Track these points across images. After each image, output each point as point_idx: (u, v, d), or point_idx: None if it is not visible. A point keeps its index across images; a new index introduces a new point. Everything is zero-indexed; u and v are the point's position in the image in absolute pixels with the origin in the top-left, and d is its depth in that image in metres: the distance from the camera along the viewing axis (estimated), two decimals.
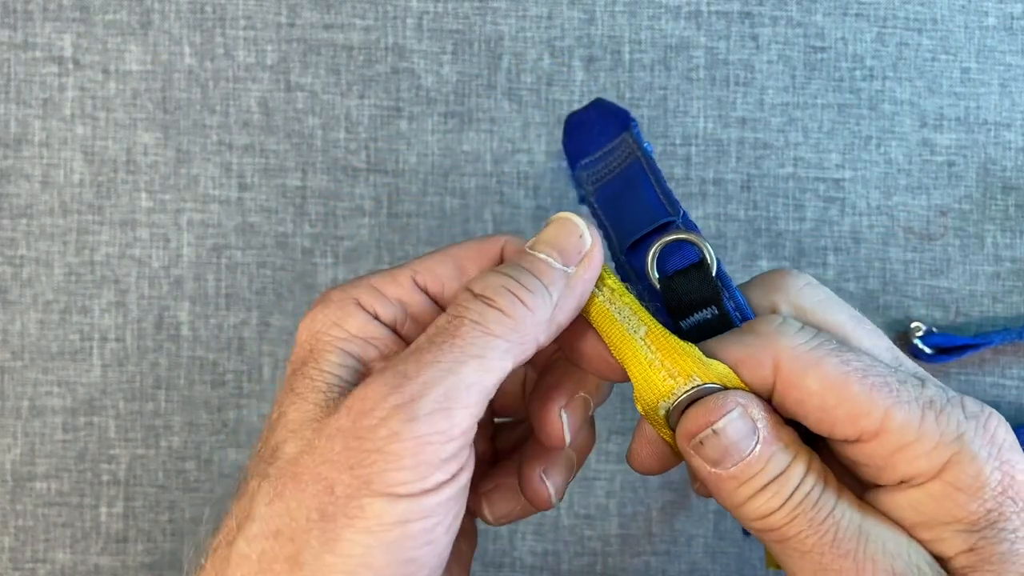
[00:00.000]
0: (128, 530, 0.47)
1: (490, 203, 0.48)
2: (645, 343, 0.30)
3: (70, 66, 0.48)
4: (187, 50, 0.48)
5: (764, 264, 0.48)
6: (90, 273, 0.48)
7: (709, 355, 0.30)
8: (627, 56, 0.48)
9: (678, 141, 0.48)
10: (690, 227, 0.32)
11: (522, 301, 0.29)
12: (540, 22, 0.48)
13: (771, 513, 0.29)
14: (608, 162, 0.36)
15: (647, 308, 0.31)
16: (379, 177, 0.48)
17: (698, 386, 0.30)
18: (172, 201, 0.48)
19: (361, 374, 0.31)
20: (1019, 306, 0.48)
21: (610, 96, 0.48)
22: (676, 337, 0.30)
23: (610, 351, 0.31)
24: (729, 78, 0.48)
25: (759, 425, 0.29)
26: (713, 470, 0.29)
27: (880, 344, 0.31)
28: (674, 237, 0.32)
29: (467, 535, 0.36)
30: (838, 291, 0.48)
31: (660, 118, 0.48)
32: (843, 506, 0.29)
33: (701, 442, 0.29)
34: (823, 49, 0.48)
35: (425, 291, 0.33)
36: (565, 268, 0.30)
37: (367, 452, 0.27)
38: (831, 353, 0.29)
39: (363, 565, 0.27)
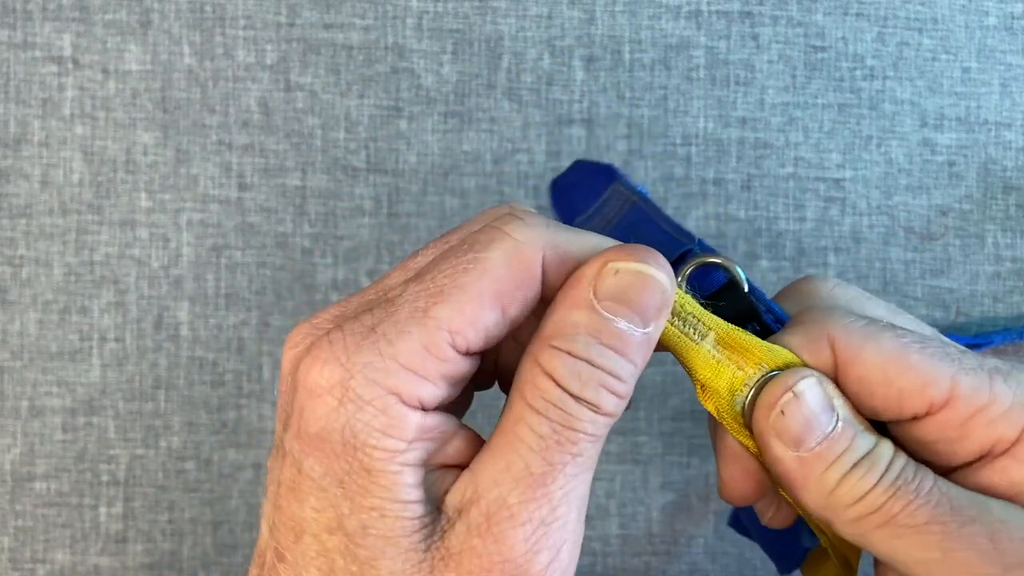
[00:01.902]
0: (127, 530, 0.47)
1: (490, 203, 0.48)
2: (713, 348, 0.30)
3: (69, 66, 0.48)
4: (187, 50, 0.48)
5: (764, 264, 0.48)
6: (89, 273, 0.48)
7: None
8: (627, 56, 0.48)
9: (678, 141, 0.48)
10: (708, 251, 0.32)
11: (622, 396, 0.27)
12: (540, 22, 0.48)
13: (869, 491, 0.27)
14: (604, 215, 0.35)
15: (706, 305, 0.30)
16: (379, 177, 0.48)
17: (768, 372, 0.29)
18: (172, 201, 0.48)
19: (433, 489, 0.27)
20: (1020, 306, 0.48)
21: (610, 96, 0.48)
22: (741, 330, 0.30)
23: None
24: (729, 78, 0.48)
25: (836, 403, 0.28)
26: (797, 453, 0.28)
27: (924, 331, 0.30)
28: (699, 261, 0.32)
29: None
30: None
31: (660, 118, 0.48)
32: (944, 481, 0.28)
33: (782, 411, 0.28)
34: (823, 49, 0.48)
35: (468, 352, 0.27)
36: (645, 331, 0.27)
37: None
38: (885, 328, 0.29)
39: None
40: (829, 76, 0.48)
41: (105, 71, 0.48)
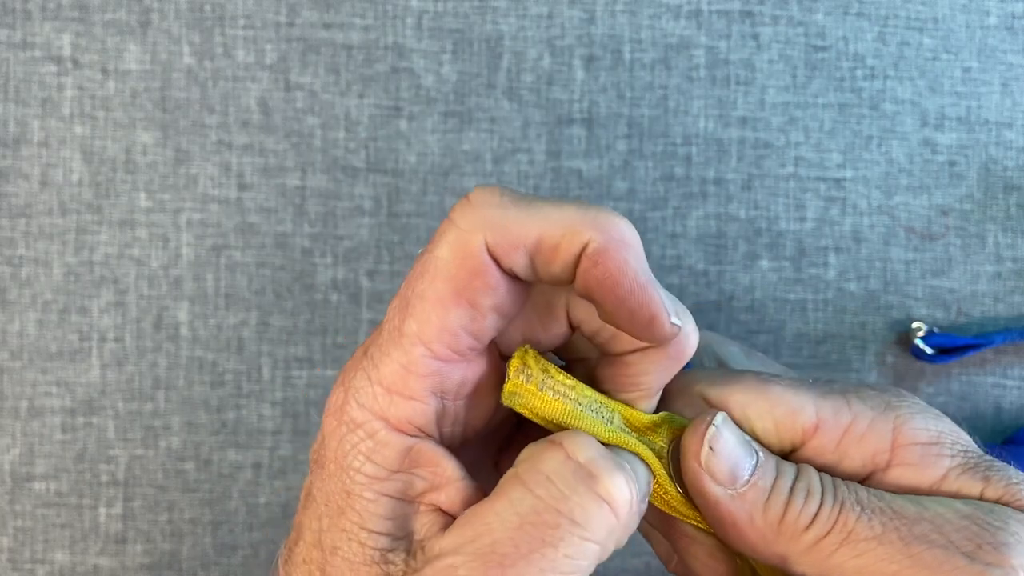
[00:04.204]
0: (127, 531, 0.47)
1: None
2: (623, 428, 0.29)
3: (69, 65, 0.48)
4: (186, 49, 0.48)
5: (765, 264, 0.48)
6: (89, 273, 0.48)
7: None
8: (627, 55, 0.48)
9: (679, 141, 0.48)
10: None
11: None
12: (540, 21, 0.48)
13: (817, 511, 0.27)
14: None
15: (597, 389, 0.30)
16: (379, 177, 0.48)
17: (676, 437, 0.30)
18: (171, 201, 0.48)
19: (413, 528, 0.26)
20: (1020, 306, 0.48)
21: (610, 95, 0.48)
22: (632, 408, 0.29)
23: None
24: (730, 77, 0.48)
25: (747, 436, 0.29)
26: (735, 490, 0.28)
27: (776, 369, 0.32)
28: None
29: None
30: (839, 291, 0.48)
31: (660, 118, 0.48)
32: (871, 488, 0.28)
33: (711, 447, 0.28)
34: (824, 48, 0.48)
35: (458, 355, 0.27)
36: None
37: None
38: (743, 373, 0.30)
39: None
40: (830, 76, 0.48)
41: (104, 71, 0.48)
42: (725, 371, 0.30)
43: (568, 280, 0.26)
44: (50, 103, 0.48)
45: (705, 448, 0.28)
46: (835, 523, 0.27)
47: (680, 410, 0.30)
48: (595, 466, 0.25)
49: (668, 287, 0.40)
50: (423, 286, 0.26)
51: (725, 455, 0.28)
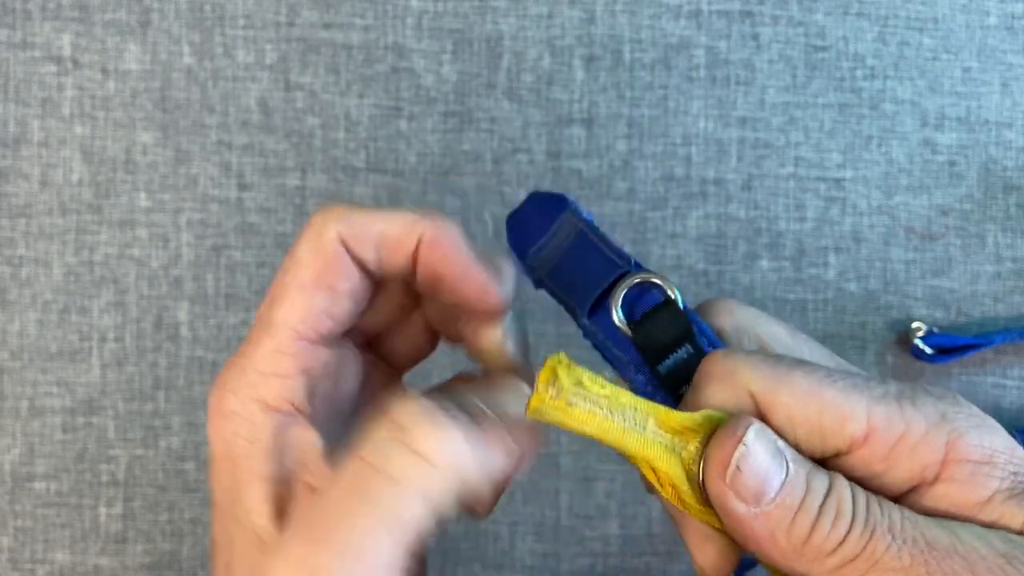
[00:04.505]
0: (127, 530, 0.47)
1: (490, 203, 0.48)
2: (656, 434, 0.29)
3: (69, 65, 0.48)
4: (186, 49, 0.48)
5: (765, 264, 0.48)
6: (89, 273, 0.48)
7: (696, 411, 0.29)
8: (627, 55, 0.48)
9: (678, 141, 0.48)
10: (644, 271, 0.32)
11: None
12: (540, 21, 0.48)
13: (845, 536, 0.26)
14: (554, 244, 0.35)
15: (636, 389, 0.30)
16: (379, 177, 0.48)
17: (708, 440, 0.29)
18: (171, 201, 0.48)
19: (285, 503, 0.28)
20: (1020, 306, 0.48)
21: (610, 95, 0.48)
22: (670, 409, 0.29)
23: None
24: (730, 77, 0.48)
25: (779, 445, 0.28)
26: (759, 509, 0.27)
27: (820, 352, 0.31)
28: (634, 281, 0.32)
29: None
30: (839, 291, 0.48)
31: (660, 118, 0.48)
32: (908, 511, 0.27)
33: (738, 467, 0.27)
34: (824, 48, 0.48)
35: (325, 337, 0.30)
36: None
37: None
38: (792, 366, 0.28)
39: None
40: (830, 76, 0.48)
41: (104, 71, 0.48)
42: (775, 363, 0.28)
43: (410, 271, 0.30)
44: (50, 103, 0.48)
45: (732, 467, 0.27)
46: (863, 550, 0.26)
47: (722, 401, 0.29)
48: (412, 424, 0.26)
49: None
50: (287, 279, 0.30)
51: (752, 473, 0.27)
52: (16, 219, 0.48)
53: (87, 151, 0.48)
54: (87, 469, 0.47)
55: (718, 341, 0.31)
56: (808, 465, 0.28)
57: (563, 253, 0.35)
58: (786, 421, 0.28)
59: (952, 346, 0.46)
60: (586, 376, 0.28)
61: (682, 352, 0.31)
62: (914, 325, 0.47)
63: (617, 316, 0.32)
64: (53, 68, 0.48)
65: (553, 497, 0.47)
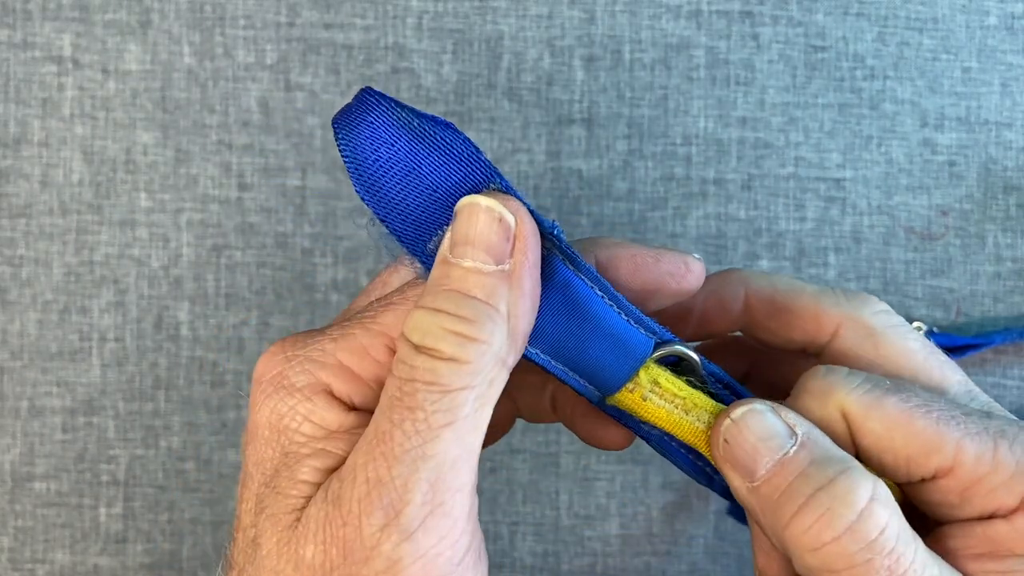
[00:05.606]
0: (127, 530, 0.47)
1: None
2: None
3: (69, 66, 0.48)
4: (186, 50, 0.48)
5: (765, 264, 0.48)
6: (89, 273, 0.48)
7: None
8: (627, 55, 0.48)
9: (678, 141, 0.48)
10: (665, 336, 0.30)
11: (470, 337, 0.25)
12: (540, 21, 0.48)
13: (832, 541, 0.26)
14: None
15: (707, 390, 0.30)
16: None
17: None
18: (171, 201, 0.48)
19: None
20: (1020, 306, 0.48)
21: (610, 96, 0.48)
22: None
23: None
24: (730, 78, 0.48)
25: (799, 430, 0.27)
26: (753, 484, 0.27)
27: (952, 377, 0.30)
28: (665, 353, 0.30)
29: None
30: None
31: (660, 118, 0.48)
32: (922, 550, 0.26)
33: (725, 439, 0.28)
34: (824, 48, 0.48)
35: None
36: (501, 267, 0.26)
37: None
38: (888, 392, 0.28)
39: None
40: (829, 76, 0.48)
41: (105, 71, 0.48)
42: (872, 387, 0.28)
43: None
44: (50, 103, 0.48)
45: (720, 439, 0.28)
46: (850, 561, 0.26)
47: (814, 416, 0.29)
48: (429, 337, 0.25)
49: None
50: (413, 292, 0.28)
51: (739, 446, 0.27)
52: (16, 219, 0.48)
53: (87, 151, 0.48)
54: (87, 469, 0.47)
55: (741, 388, 0.31)
56: (830, 451, 0.27)
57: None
58: (872, 445, 0.28)
59: (952, 346, 0.46)
60: (663, 376, 0.30)
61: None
62: (914, 325, 0.47)
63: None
64: (53, 68, 0.48)
65: (553, 497, 0.47)
